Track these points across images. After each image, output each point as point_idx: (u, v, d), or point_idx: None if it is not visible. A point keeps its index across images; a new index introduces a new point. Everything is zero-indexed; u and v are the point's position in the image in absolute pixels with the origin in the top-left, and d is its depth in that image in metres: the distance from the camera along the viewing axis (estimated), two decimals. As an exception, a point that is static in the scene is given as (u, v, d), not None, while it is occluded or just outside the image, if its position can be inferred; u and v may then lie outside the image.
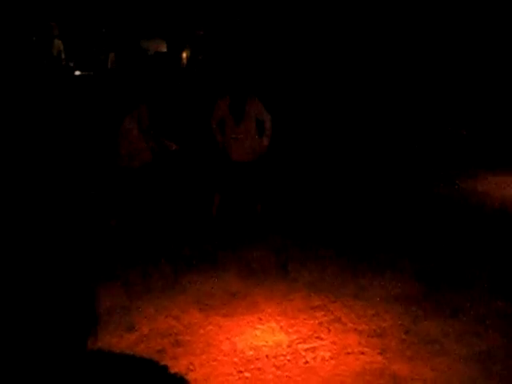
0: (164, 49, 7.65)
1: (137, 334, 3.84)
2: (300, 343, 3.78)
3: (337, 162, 7.87)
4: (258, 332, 3.91)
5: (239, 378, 3.42)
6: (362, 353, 3.68)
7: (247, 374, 3.45)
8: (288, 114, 7.91)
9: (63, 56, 7.33)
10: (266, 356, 3.64)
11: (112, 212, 5.67)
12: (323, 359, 3.61)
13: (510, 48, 9.24)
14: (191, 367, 3.50)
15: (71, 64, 7.75)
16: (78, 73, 7.56)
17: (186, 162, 6.66)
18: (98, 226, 5.60)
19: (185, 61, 7.92)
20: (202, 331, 3.90)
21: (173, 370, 3.47)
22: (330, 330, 3.93)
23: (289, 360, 3.60)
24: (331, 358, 3.62)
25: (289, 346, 3.74)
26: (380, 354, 3.67)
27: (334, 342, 3.79)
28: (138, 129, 5.57)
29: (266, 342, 3.79)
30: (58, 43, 7.35)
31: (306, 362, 3.58)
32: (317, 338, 3.84)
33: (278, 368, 3.52)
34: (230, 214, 6.06)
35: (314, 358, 3.62)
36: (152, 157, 5.69)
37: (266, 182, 6.00)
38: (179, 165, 6.28)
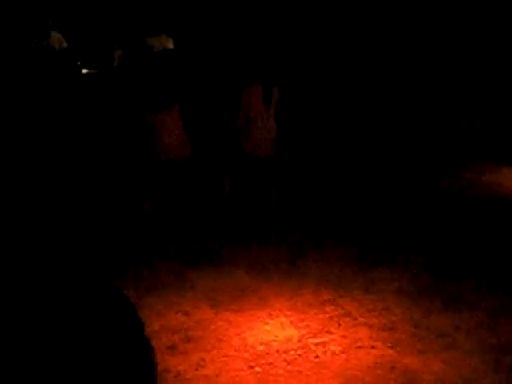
0: (171, 45, 7.63)
1: (147, 330, 3.82)
2: (310, 338, 3.78)
3: (343, 158, 7.85)
4: (268, 327, 3.92)
5: (250, 374, 3.43)
6: (373, 347, 3.68)
7: (258, 369, 3.46)
8: (295, 109, 7.89)
9: (65, 45, 7.28)
10: (277, 351, 3.64)
11: (144, 200, 5.70)
12: (334, 354, 3.61)
13: (509, 37, 9.17)
14: (202, 363, 3.52)
15: (78, 62, 7.76)
16: (85, 71, 7.58)
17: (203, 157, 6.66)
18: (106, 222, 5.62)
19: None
20: (212, 327, 3.91)
21: (184, 366, 3.48)
22: (340, 325, 3.93)
23: (299, 355, 3.61)
24: (342, 353, 3.62)
25: (299, 341, 3.74)
26: (391, 347, 3.67)
27: (344, 337, 3.79)
28: (181, 123, 5.63)
29: (277, 336, 3.80)
30: (56, 36, 7.32)
31: (317, 357, 3.58)
32: (327, 332, 3.84)
33: (288, 363, 3.53)
34: (243, 202, 6.03)
35: (325, 353, 3.62)
36: (191, 150, 5.73)
37: (280, 173, 6.01)
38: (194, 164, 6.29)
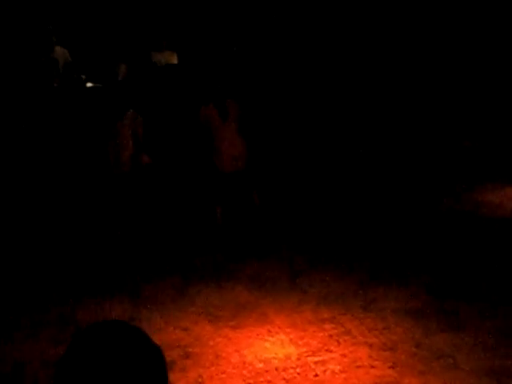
0: (175, 61, 7.69)
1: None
2: (310, 356, 3.75)
3: (345, 175, 7.86)
4: (267, 344, 3.89)
5: (248, 391, 3.40)
6: (373, 366, 3.64)
7: (256, 387, 3.43)
8: (288, 117, 7.93)
9: (69, 60, 7.32)
10: (276, 369, 3.61)
11: (116, 222, 5.68)
12: (333, 372, 3.58)
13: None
14: (200, 380, 3.49)
15: (83, 76, 7.82)
16: (89, 84, 7.63)
17: (163, 176, 6.67)
18: (104, 237, 5.61)
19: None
20: (211, 343, 3.88)
21: (182, 383, 3.45)
22: (339, 343, 3.90)
23: (298, 373, 3.58)
24: (341, 372, 3.58)
25: (298, 359, 3.71)
26: (391, 367, 3.63)
27: (344, 355, 3.76)
28: (132, 137, 5.66)
29: (276, 354, 3.77)
30: (61, 51, 7.37)
31: (316, 375, 3.55)
32: (327, 350, 3.81)
33: (287, 381, 3.50)
34: (235, 221, 6.05)
35: (324, 371, 3.59)
36: (131, 167, 5.75)
37: (256, 175, 6.08)
38: (153, 178, 6.29)
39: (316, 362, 3.68)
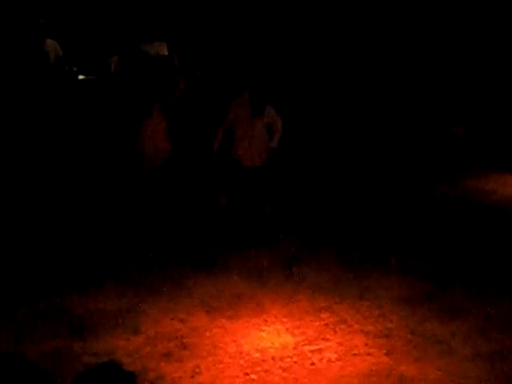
0: (165, 51, 7.65)
1: (143, 336, 3.84)
2: (306, 345, 3.77)
3: (340, 164, 7.87)
4: (263, 334, 3.91)
5: (246, 381, 3.42)
6: (369, 354, 3.67)
7: (253, 376, 3.45)
8: (292, 116, 7.91)
9: (60, 53, 7.24)
10: (272, 358, 3.63)
11: (130, 216, 5.66)
12: (329, 361, 3.60)
13: (508, 42, 9.20)
14: (197, 370, 3.50)
15: (74, 68, 7.77)
16: (81, 77, 7.58)
17: (186, 165, 6.65)
18: (111, 230, 5.59)
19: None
20: (207, 334, 3.90)
21: (179, 373, 3.47)
22: (335, 332, 3.92)
23: (295, 362, 3.60)
24: (337, 360, 3.61)
25: (295, 348, 3.74)
26: (386, 354, 3.66)
27: (340, 344, 3.79)
28: (164, 128, 5.61)
29: (272, 343, 3.79)
30: (52, 44, 7.30)
31: (313, 364, 3.58)
32: (323, 339, 3.84)
33: (284, 370, 3.52)
34: (238, 216, 6.03)
35: (321, 360, 3.61)
36: (170, 155, 5.71)
37: (274, 184, 5.99)
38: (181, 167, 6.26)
39: (312, 351, 3.70)
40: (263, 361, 3.60)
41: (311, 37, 9.17)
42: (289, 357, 3.64)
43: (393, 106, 9.23)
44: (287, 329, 3.96)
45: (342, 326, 3.99)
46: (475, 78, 9.44)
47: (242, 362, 3.59)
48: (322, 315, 4.13)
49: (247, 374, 3.47)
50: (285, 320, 4.07)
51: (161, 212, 5.75)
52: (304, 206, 6.43)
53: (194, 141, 7.00)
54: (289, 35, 9.00)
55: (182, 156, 6.22)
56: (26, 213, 5.87)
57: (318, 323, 4.02)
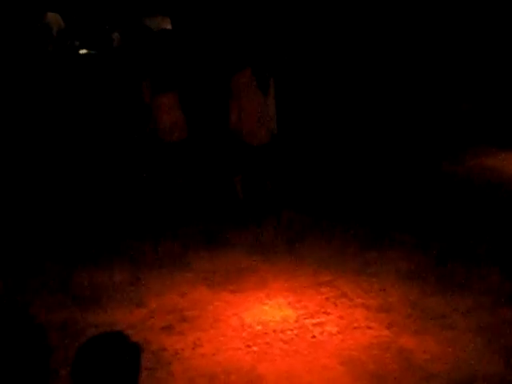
0: (168, 26, 7.57)
1: (145, 309, 3.88)
2: (307, 318, 3.81)
3: (345, 141, 7.83)
4: (265, 307, 3.94)
5: (247, 353, 3.46)
6: (369, 327, 3.70)
7: (255, 348, 3.49)
8: (296, 92, 7.86)
9: (63, 26, 7.16)
10: (274, 331, 3.67)
11: (149, 190, 5.67)
12: (330, 334, 3.64)
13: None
14: (199, 342, 3.54)
15: (77, 43, 7.71)
16: (83, 51, 7.54)
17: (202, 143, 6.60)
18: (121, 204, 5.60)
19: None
20: (210, 307, 3.93)
21: (181, 345, 3.51)
22: (336, 305, 3.95)
23: (296, 335, 3.64)
24: (338, 333, 3.65)
25: (296, 321, 3.77)
26: (387, 328, 3.69)
27: (341, 317, 3.82)
28: (179, 105, 5.58)
29: (274, 317, 3.82)
30: (54, 18, 7.22)
31: (314, 337, 3.61)
32: (324, 313, 3.87)
33: (285, 342, 3.56)
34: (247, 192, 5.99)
35: (322, 333, 3.64)
36: (187, 132, 5.68)
37: (277, 160, 5.94)
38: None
39: (313, 324, 3.73)
40: (265, 333, 3.64)
41: (312, 28, 9.07)
42: (290, 330, 3.68)
43: (401, 83, 9.15)
44: (289, 303, 4.00)
45: (343, 300, 4.01)
46: (484, 56, 9.33)
47: (243, 334, 3.63)
48: (324, 289, 4.15)
49: (249, 346, 3.51)
50: (286, 294, 4.10)
51: (173, 188, 5.73)
52: (308, 182, 6.43)
53: (206, 116, 6.94)
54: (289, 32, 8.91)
55: (197, 133, 6.18)
56: (32, 187, 5.89)
57: (319, 297, 4.05)
